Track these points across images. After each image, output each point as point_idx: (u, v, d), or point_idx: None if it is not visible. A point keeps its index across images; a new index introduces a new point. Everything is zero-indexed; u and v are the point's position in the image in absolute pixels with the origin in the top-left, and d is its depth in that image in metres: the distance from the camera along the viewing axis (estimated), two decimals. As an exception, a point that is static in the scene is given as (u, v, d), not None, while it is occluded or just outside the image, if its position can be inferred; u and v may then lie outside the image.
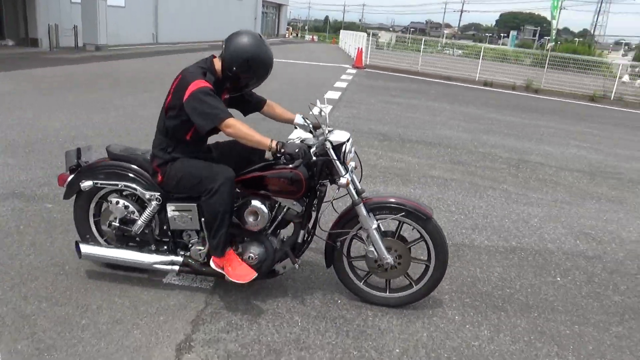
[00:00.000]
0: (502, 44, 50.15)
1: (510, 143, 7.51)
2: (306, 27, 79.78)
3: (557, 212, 4.64)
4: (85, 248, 2.67)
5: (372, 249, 2.64)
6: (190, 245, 2.70)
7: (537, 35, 63.69)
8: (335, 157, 2.49)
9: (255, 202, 2.56)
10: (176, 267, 2.68)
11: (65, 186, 2.75)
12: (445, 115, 9.49)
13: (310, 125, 2.75)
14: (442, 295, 2.93)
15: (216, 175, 2.43)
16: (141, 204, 2.74)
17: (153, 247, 2.74)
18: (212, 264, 2.60)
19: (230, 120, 2.37)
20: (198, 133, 2.47)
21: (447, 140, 7.18)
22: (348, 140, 2.55)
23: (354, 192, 2.59)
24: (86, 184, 2.66)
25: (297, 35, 60.61)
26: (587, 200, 5.10)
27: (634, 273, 3.53)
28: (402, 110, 9.42)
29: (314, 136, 2.63)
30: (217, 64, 2.53)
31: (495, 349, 2.48)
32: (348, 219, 2.68)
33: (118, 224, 2.76)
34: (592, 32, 69.43)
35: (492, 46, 25.81)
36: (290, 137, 2.50)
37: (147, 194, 2.65)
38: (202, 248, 2.65)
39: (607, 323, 2.84)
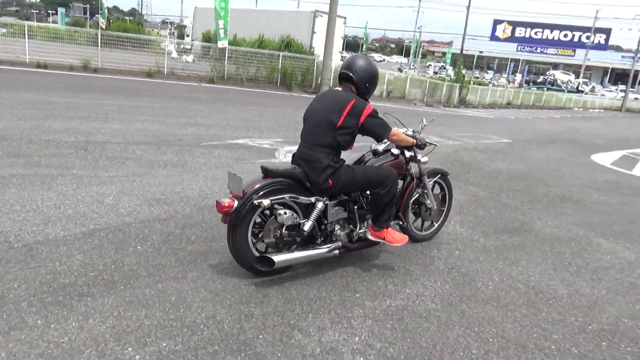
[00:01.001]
0: (53, 22, 46.68)
1: (75, 125, 7.23)
2: None
3: (130, 185, 4.83)
4: (277, 257, 3.03)
5: (429, 201, 4.08)
6: (336, 231, 3.40)
7: (88, 13, 62.22)
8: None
9: None
10: (336, 252, 3.33)
11: (231, 212, 3.00)
12: (-6, 104, 8.23)
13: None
14: (18, 304, 2.63)
15: (389, 173, 3.36)
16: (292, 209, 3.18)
17: (320, 240, 3.32)
18: (370, 236, 3.44)
19: (394, 129, 3.39)
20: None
21: (1, 132, 6.28)
22: None
23: (423, 167, 3.93)
24: (266, 202, 2.97)
25: None
26: (156, 169, 5.52)
27: (200, 222, 4.09)
28: None
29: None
30: (353, 89, 3.29)
31: (86, 335, 2.44)
32: (415, 186, 3.94)
33: (287, 231, 3.15)
34: (140, 10, 73.23)
35: (42, 24, 23.64)
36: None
37: (312, 199, 3.17)
38: (349, 231, 3.43)
39: (184, 272, 3.22)
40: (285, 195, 3.10)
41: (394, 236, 3.50)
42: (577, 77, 64.05)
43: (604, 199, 6.83)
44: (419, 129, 3.99)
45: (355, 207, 3.47)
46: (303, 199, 3.17)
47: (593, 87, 61.83)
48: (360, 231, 3.49)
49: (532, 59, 73.44)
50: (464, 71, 28.69)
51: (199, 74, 18.01)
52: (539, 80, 58.05)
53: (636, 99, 55.29)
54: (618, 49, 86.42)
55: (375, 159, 3.67)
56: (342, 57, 30.12)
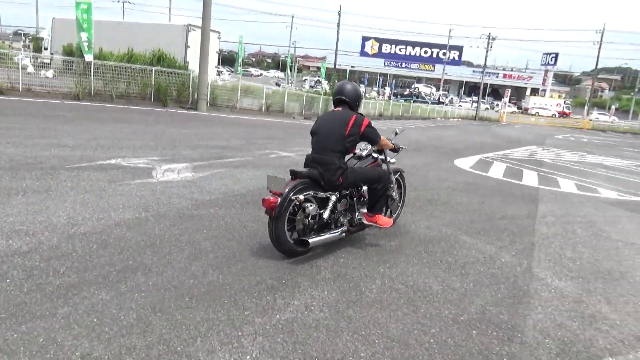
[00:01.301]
0: None
1: None
2: None
3: (-18, 217, 4.27)
4: (311, 240, 3.98)
5: (394, 194, 5.07)
6: (340, 219, 4.37)
7: None
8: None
9: None
10: (344, 234, 4.36)
11: (276, 207, 3.79)
12: None
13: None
14: None
15: (383, 173, 4.60)
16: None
17: (333, 226, 4.30)
18: (365, 221, 4.52)
19: (382, 136, 4.52)
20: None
21: None
22: None
23: (391, 166, 5.02)
24: (302, 197, 3.89)
25: None
26: (13, 197, 4.95)
27: (69, 252, 3.75)
28: None
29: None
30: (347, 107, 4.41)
31: None
32: None
33: (312, 220, 4.06)
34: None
35: None
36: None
37: (327, 194, 4.16)
38: (349, 218, 4.46)
39: (53, 308, 2.92)
40: (310, 192, 4.03)
41: (383, 220, 4.60)
42: (438, 89, 70.35)
43: (466, 199, 7.55)
44: (392, 137, 5.23)
45: (354, 199, 4.50)
46: (321, 194, 4.14)
47: (452, 98, 68.33)
48: (357, 217, 4.53)
49: (398, 73, 79.10)
50: (338, 85, 29.86)
51: (61, 90, 16.56)
52: (405, 93, 62.63)
53: (487, 109, 62.16)
54: (469, 64, 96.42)
55: (360, 162, 4.76)
56: (218, 71, 29.79)
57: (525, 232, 5.92)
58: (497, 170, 11.45)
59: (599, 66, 75.94)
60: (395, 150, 5.07)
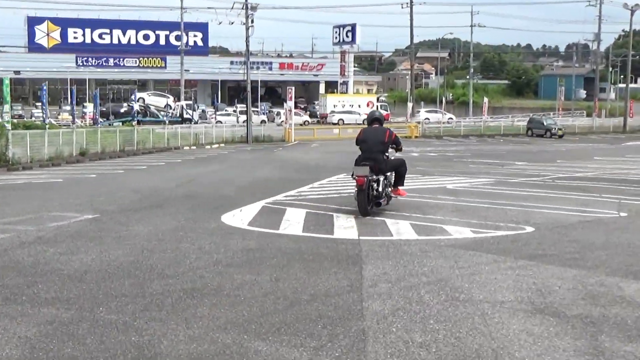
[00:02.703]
0: None
1: None
2: None
3: None
4: (382, 201, 14.07)
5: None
6: (382, 192, 14.57)
7: None
8: None
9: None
10: (387, 202, 14.70)
11: (364, 184, 13.20)
12: None
13: None
14: None
15: (404, 161, 15.70)
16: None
17: (382, 196, 14.25)
18: (392, 194, 15.01)
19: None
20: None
21: None
22: None
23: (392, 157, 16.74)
24: (375, 179, 13.79)
25: None
26: None
27: None
28: None
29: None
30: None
31: None
32: None
33: (375, 192, 14.01)
34: None
35: None
36: None
37: (378, 176, 14.03)
38: (386, 192, 14.58)
39: None
40: (372, 176, 13.59)
41: (402, 191, 14.94)
42: (178, 98, 72.08)
43: (250, 277, 7.80)
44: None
45: (387, 180, 14.36)
46: (375, 177, 13.71)
47: (202, 111, 70.59)
48: (388, 192, 14.45)
49: (104, 76, 78.81)
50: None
51: None
52: (122, 111, 62.64)
53: (263, 122, 65.74)
54: (225, 51, 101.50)
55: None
56: None
57: (350, 315, 6.35)
58: (292, 222, 12.19)
59: (416, 40, 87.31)
60: (400, 150, 14.79)
